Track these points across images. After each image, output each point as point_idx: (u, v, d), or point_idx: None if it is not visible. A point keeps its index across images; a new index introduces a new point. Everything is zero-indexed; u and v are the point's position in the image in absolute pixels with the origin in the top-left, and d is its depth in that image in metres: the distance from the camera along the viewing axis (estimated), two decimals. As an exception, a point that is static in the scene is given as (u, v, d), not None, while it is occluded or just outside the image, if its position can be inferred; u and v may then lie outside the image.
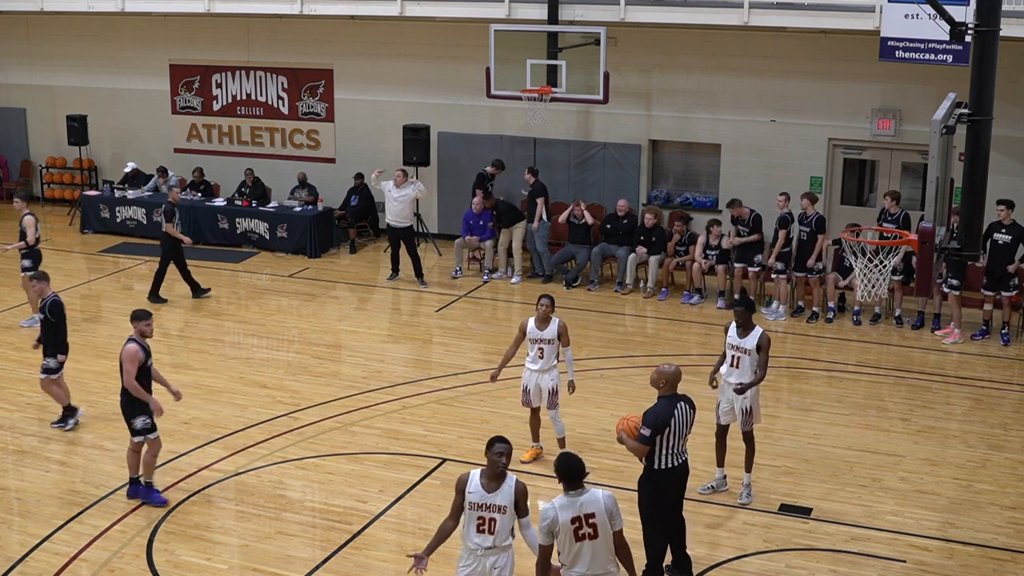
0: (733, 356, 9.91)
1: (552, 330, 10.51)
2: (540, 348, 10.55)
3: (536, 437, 10.95)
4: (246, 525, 9.73)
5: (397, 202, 17.00)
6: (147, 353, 9.97)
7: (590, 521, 6.69)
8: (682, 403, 8.47)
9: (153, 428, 10.00)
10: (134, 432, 9.96)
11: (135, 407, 9.91)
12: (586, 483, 6.87)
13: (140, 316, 10.09)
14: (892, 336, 14.94)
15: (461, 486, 7.09)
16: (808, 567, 9.04)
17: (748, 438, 10.02)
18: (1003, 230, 14.40)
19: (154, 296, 16.24)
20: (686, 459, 8.56)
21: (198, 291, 16.48)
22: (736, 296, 15.86)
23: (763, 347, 9.79)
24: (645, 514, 8.58)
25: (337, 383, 13.12)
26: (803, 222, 15.51)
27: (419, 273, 17.20)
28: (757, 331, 9.86)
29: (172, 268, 16.28)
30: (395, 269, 17.39)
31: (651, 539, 8.58)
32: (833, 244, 15.74)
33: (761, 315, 15.56)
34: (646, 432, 8.27)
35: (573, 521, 6.70)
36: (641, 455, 8.40)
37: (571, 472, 6.83)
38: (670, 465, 8.42)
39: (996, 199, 14.11)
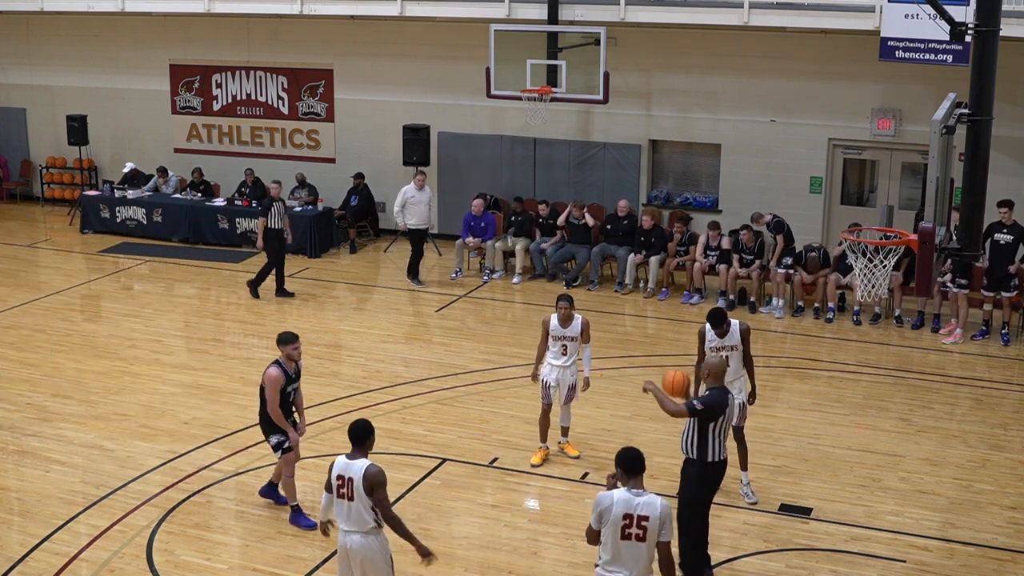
0: (722, 356, 9.90)
1: (576, 327, 10.58)
2: (564, 345, 10.60)
3: (544, 438, 10.89)
4: (246, 525, 9.73)
5: (420, 205, 16.97)
6: (289, 379, 9.44)
7: (642, 523, 6.65)
8: (730, 396, 8.46)
9: (289, 447, 9.60)
10: (273, 448, 9.66)
11: (271, 425, 9.52)
12: (648, 489, 6.83)
13: (286, 340, 9.46)
14: (892, 336, 14.94)
15: (384, 478, 7.30)
16: (808, 567, 9.04)
17: (740, 435, 10.01)
18: (1004, 230, 14.41)
19: (281, 292, 16.38)
20: (727, 455, 8.59)
21: (254, 289, 16.39)
22: (732, 297, 15.85)
23: (745, 337, 9.83)
24: (688, 506, 8.56)
25: (337, 383, 13.11)
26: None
27: (415, 272, 17.24)
28: (735, 325, 9.87)
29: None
30: (414, 273, 17.29)
31: (687, 531, 8.58)
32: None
33: (761, 314, 15.57)
34: (699, 406, 8.21)
35: (625, 517, 6.66)
36: (675, 416, 8.27)
37: (632, 463, 6.78)
38: (720, 458, 8.47)
39: (996, 200, 14.12)
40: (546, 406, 10.78)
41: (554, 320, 10.59)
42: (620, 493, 6.72)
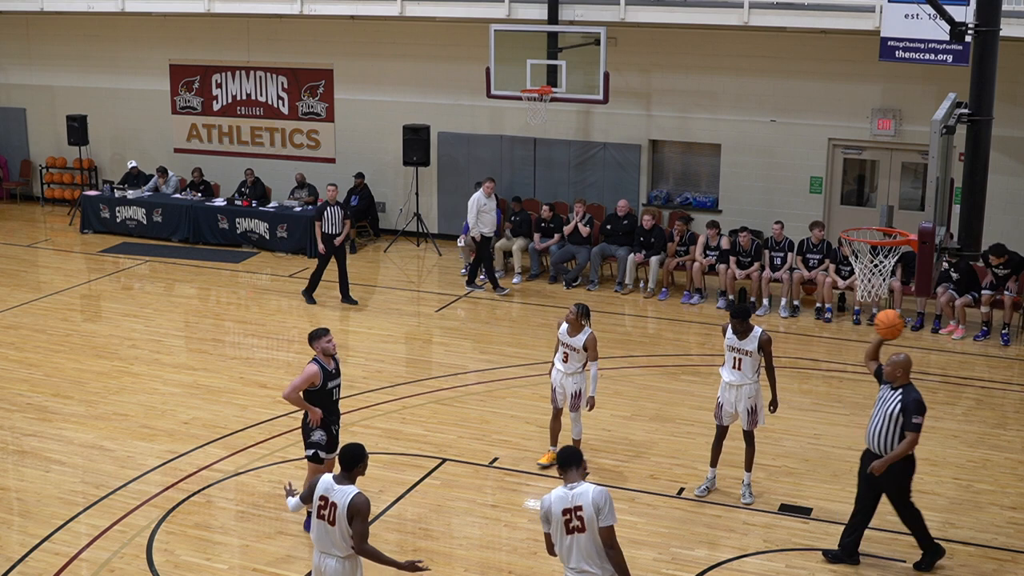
0: (734, 358, 9.89)
1: (580, 340, 10.33)
2: (565, 352, 10.44)
3: (554, 441, 10.78)
4: (246, 525, 9.73)
5: (492, 212, 16.69)
6: (327, 375, 9.11)
7: (578, 514, 6.76)
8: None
9: (328, 449, 9.20)
10: (306, 445, 9.24)
11: (310, 430, 9.19)
12: (587, 480, 6.91)
13: (317, 335, 9.17)
14: (892, 336, 14.93)
15: (368, 508, 7.08)
16: (808, 567, 9.04)
17: (749, 437, 10.01)
18: (999, 267, 14.55)
19: (308, 296, 16.19)
20: None
21: (347, 297, 16.22)
22: (731, 297, 15.84)
23: (764, 347, 9.79)
24: (904, 498, 8.89)
25: (337, 383, 13.09)
26: (812, 251, 15.74)
27: (493, 276, 17.03)
28: (756, 332, 9.83)
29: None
30: (494, 282, 16.91)
31: (915, 517, 8.92)
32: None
33: (759, 315, 15.57)
34: (921, 420, 8.53)
35: (564, 513, 6.78)
36: (916, 444, 8.61)
37: (565, 459, 6.95)
38: (913, 451, 8.73)
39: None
40: (556, 410, 10.73)
41: (564, 325, 10.51)
42: (557, 491, 6.88)
